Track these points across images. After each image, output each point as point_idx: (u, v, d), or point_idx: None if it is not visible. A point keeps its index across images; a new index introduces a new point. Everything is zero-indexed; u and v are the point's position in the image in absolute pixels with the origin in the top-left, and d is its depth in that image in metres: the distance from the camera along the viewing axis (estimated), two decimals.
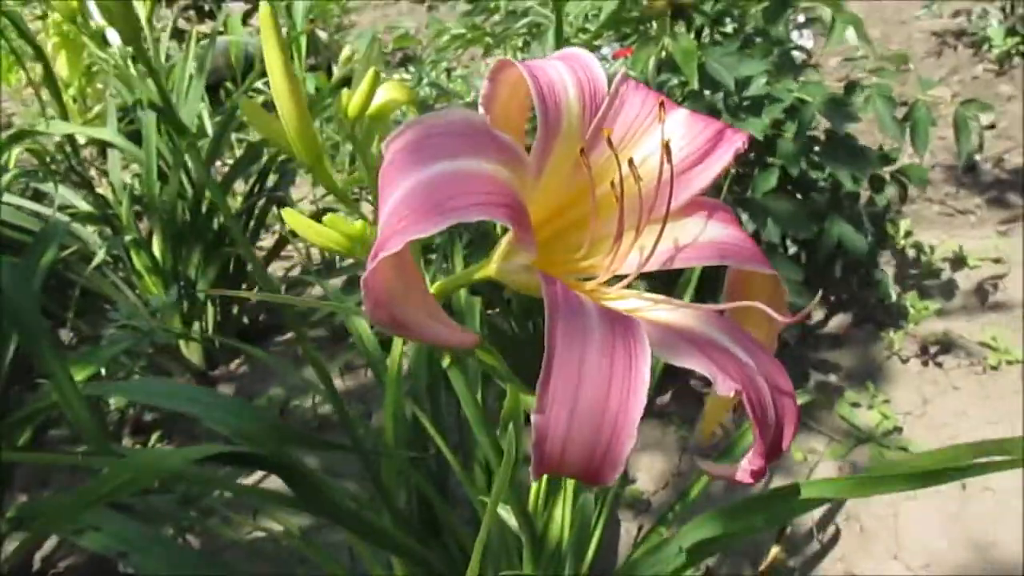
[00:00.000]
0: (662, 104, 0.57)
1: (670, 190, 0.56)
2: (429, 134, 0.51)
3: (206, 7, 3.85)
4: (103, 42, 1.02)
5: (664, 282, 1.64)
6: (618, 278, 0.61)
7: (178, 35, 3.43)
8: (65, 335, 2.22)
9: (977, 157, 3.10)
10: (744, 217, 1.86)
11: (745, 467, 0.60)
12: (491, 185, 0.50)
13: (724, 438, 1.70)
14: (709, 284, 1.45)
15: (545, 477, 1.13)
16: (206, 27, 3.65)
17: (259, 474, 1.77)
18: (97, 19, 0.99)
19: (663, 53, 1.87)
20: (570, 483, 1.19)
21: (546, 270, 0.61)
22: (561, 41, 1.41)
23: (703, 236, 0.60)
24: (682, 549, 0.90)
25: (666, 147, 0.55)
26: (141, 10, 1.00)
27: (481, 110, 0.61)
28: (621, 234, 0.56)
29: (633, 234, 0.58)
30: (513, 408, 0.74)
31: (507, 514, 0.88)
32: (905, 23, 4.39)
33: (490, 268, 0.63)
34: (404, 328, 0.54)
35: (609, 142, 0.55)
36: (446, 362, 0.77)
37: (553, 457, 0.49)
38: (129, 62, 1.02)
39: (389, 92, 0.69)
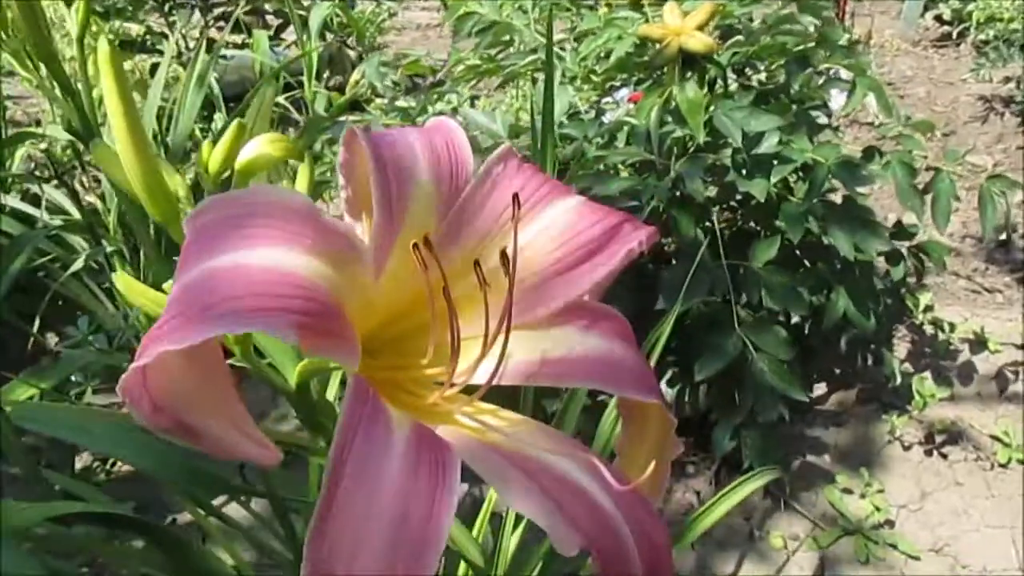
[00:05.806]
0: (521, 200, 0.48)
1: (509, 300, 0.47)
2: (232, 215, 0.43)
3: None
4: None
5: None
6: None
7: (211, 44, 3.40)
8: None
9: (1011, 233, 2.95)
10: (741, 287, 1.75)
11: None
12: (289, 286, 0.41)
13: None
14: None
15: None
16: (238, 38, 3.63)
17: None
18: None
19: (672, 103, 1.78)
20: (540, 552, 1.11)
21: (387, 376, 0.52)
22: (552, 90, 1.33)
23: (577, 350, 0.51)
24: None
25: (503, 255, 0.46)
26: (73, 27, 0.94)
27: (340, 179, 0.53)
28: (457, 343, 0.47)
29: (487, 340, 0.49)
30: None
31: None
32: (953, 84, 4.26)
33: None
34: (193, 436, 0.45)
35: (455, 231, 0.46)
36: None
37: None
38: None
39: (263, 146, 0.61)
